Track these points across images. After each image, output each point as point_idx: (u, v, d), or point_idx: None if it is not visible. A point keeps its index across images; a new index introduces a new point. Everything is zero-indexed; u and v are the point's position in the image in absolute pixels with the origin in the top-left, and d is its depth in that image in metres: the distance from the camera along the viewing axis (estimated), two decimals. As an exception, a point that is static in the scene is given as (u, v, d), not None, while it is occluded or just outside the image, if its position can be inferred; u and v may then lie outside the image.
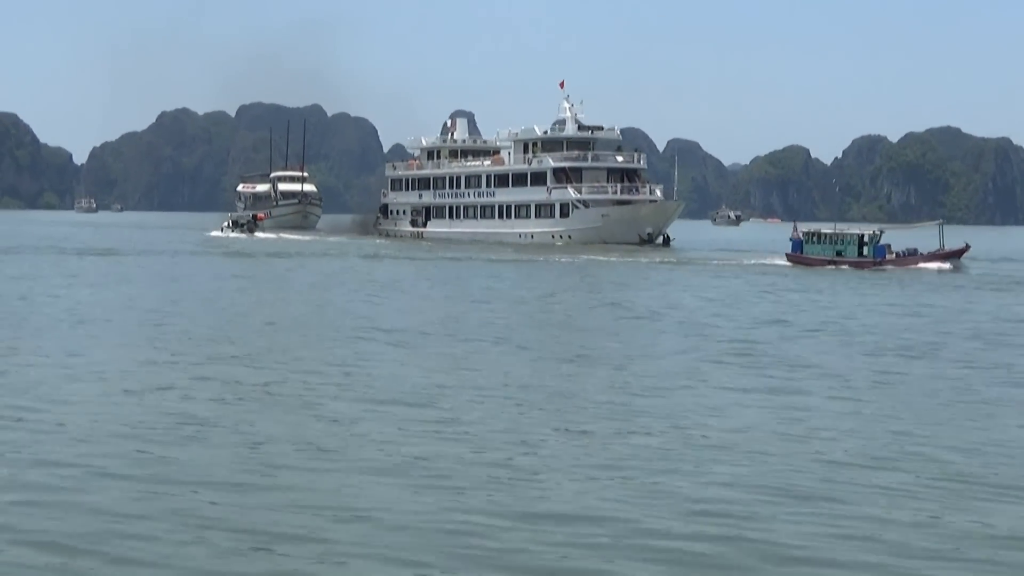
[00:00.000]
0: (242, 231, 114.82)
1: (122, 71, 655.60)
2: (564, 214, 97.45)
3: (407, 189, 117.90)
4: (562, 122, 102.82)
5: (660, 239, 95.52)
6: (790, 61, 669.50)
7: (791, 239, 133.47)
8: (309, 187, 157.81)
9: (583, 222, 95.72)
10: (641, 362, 27.46)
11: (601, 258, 76.50)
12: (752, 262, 75.27)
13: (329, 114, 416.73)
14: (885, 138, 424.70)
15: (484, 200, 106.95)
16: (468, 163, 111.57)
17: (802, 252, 72.14)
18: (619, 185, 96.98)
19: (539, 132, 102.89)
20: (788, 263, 72.61)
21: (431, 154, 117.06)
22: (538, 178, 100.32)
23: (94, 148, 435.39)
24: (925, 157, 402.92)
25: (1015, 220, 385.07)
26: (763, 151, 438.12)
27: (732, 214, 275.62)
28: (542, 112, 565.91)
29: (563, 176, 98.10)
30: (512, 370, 25.74)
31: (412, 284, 54.15)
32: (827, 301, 46.23)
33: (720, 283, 56.53)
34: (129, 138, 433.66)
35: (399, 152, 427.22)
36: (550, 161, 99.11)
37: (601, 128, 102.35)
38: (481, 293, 48.36)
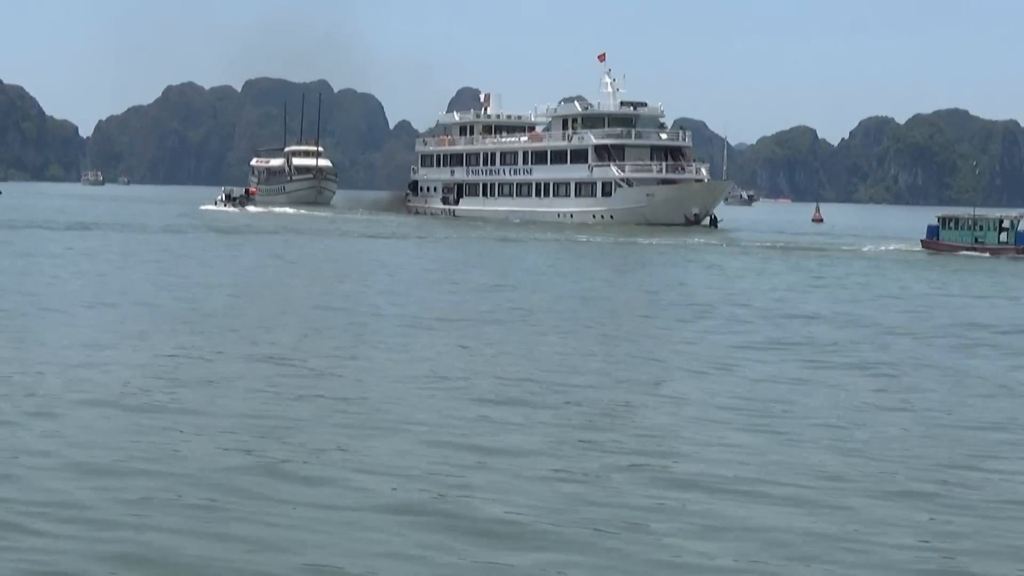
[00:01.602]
0: (235, 205, 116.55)
1: (129, 44, 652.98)
2: (606, 193, 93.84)
3: (438, 165, 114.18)
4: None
5: (707, 220, 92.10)
6: (798, 41, 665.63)
7: (813, 220, 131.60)
8: (324, 162, 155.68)
9: (626, 201, 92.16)
10: None
11: (681, 241, 72.42)
12: (883, 248, 69.84)
13: (335, 90, 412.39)
14: (892, 119, 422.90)
15: (520, 177, 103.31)
16: (503, 139, 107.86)
17: (938, 238, 67.67)
18: (664, 163, 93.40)
19: (579, 107, 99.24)
20: (923, 250, 67.75)
21: (463, 129, 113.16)
22: (578, 155, 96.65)
23: (100, 121, 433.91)
24: (932, 139, 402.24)
25: (1022, 203, 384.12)
26: (770, 131, 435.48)
27: (744, 194, 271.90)
28: (548, 90, 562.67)
29: (605, 153, 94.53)
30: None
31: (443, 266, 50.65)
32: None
33: (899, 279, 48.11)
34: (135, 112, 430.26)
35: (405, 129, 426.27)
36: (592, 138, 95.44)
37: (645, 104, 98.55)
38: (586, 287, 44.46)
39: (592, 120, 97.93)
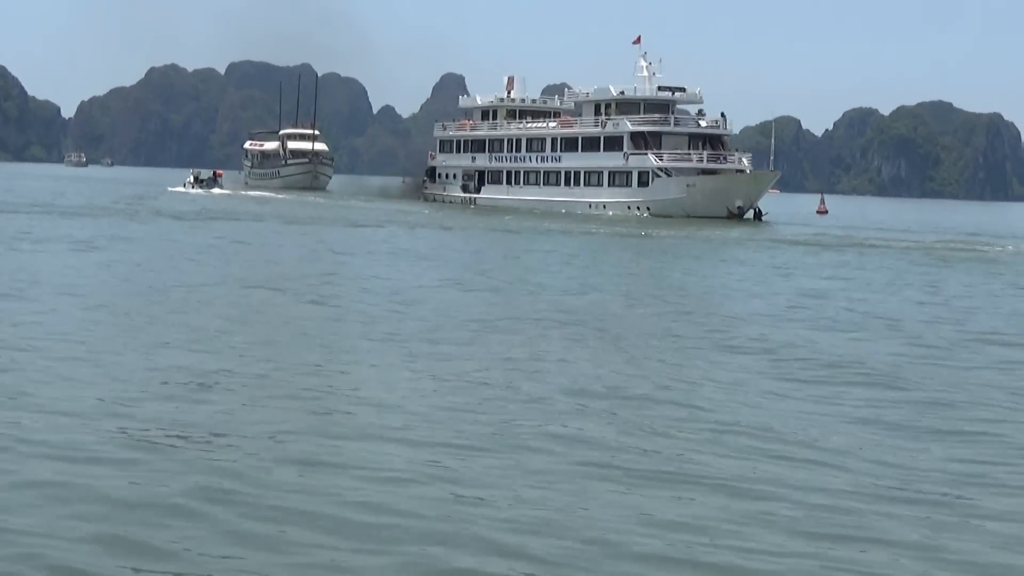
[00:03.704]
0: (202, 187, 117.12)
1: (112, 25, 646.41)
2: (643, 183, 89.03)
3: (458, 151, 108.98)
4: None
5: (751, 213, 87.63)
6: (782, 31, 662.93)
7: (818, 212, 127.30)
8: (320, 146, 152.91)
9: (665, 192, 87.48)
10: None
11: (753, 236, 67.96)
12: None
13: (319, 74, 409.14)
14: (876, 111, 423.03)
15: (548, 165, 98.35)
16: (529, 124, 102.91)
17: None
18: (704, 153, 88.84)
19: (614, 92, 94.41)
20: None
21: (485, 114, 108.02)
22: (612, 143, 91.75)
23: (82, 102, 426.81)
24: (916, 131, 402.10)
25: (1004, 196, 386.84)
26: (754, 121, 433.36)
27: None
28: (534, 77, 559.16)
29: (642, 141, 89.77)
30: None
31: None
32: None
33: None
34: (117, 93, 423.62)
35: (388, 114, 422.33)
36: (628, 124, 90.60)
37: (683, 89, 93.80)
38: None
39: (627, 105, 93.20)
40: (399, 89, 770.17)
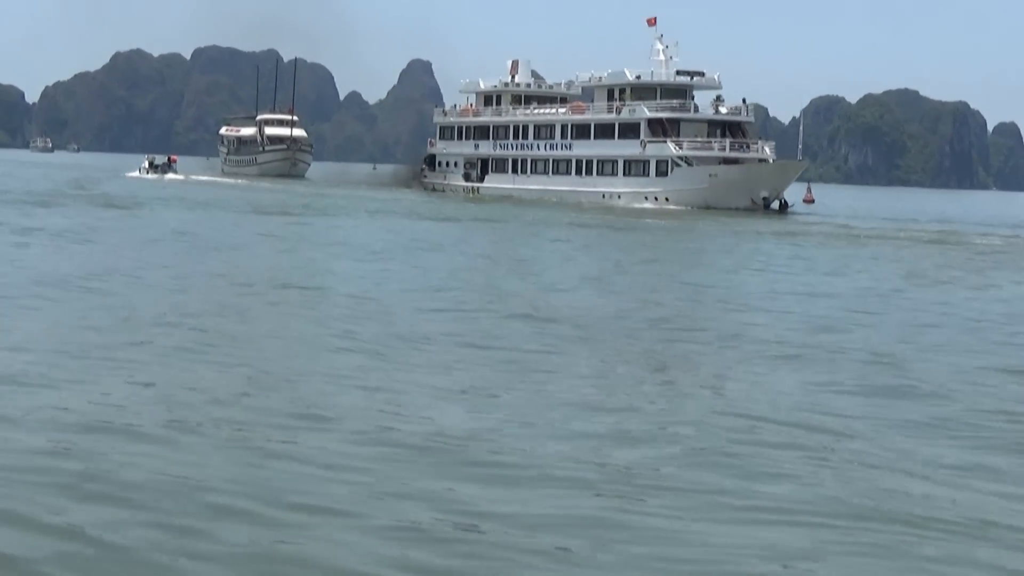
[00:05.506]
0: (156, 172, 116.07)
1: (77, 9, 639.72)
2: (661, 172, 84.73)
3: (460, 138, 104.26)
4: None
5: (776, 204, 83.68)
6: (748, 19, 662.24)
7: (804, 200, 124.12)
8: (299, 132, 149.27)
9: (686, 183, 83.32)
10: None
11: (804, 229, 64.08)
12: None
13: (285, 59, 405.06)
14: (843, 99, 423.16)
15: (558, 153, 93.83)
16: (536, 110, 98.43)
17: None
18: (727, 141, 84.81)
19: (630, 76, 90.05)
20: None
21: (489, 99, 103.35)
22: (628, 130, 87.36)
23: (46, 87, 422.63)
24: (883, 119, 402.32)
25: (970, 184, 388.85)
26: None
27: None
28: (502, 64, 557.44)
29: (659, 128, 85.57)
30: None
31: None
32: None
33: None
34: (82, 78, 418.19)
35: (355, 100, 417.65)
36: (645, 111, 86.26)
37: (702, 73, 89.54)
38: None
39: (642, 91, 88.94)
40: (366, 75, 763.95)
